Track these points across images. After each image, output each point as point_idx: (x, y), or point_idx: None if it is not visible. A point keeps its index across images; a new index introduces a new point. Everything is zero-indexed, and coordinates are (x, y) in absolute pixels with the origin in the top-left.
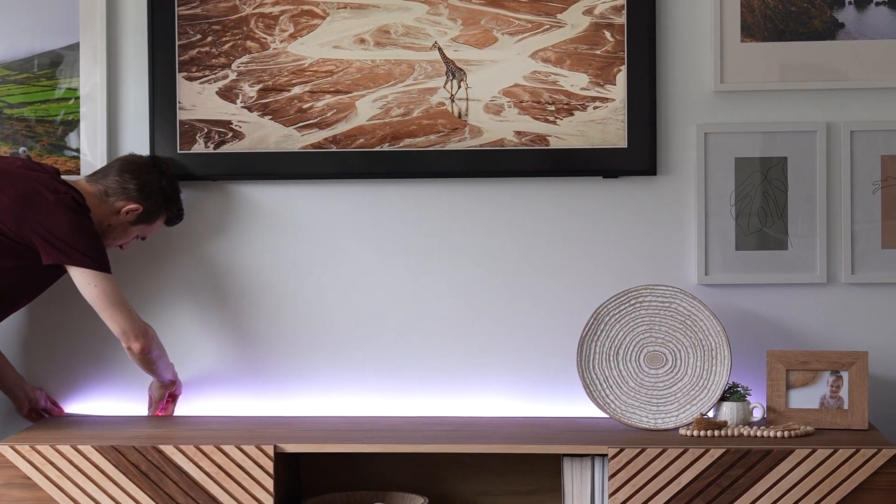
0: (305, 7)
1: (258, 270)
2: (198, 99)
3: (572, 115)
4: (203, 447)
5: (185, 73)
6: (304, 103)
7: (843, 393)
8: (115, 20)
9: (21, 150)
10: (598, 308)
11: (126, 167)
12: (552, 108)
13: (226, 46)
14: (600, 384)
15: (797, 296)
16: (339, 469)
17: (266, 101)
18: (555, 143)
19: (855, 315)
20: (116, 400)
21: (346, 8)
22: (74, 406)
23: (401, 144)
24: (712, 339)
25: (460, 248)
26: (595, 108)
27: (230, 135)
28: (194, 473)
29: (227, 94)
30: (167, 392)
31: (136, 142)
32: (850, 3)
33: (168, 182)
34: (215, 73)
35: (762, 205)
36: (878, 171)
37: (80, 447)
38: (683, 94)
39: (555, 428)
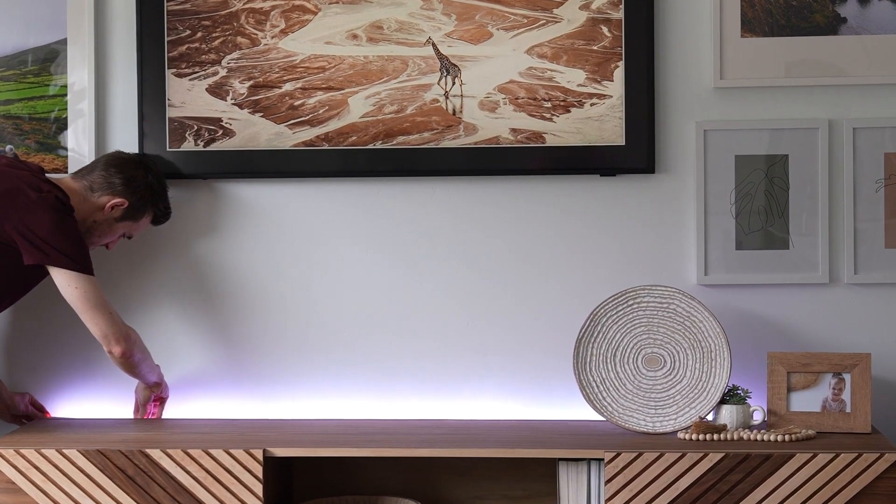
0: (297, 2)
1: (248, 271)
2: (187, 96)
3: (569, 111)
4: (191, 451)
5: (174, 70)
6: (296, 100)
7: (846, 396)
8: (103, 16)
9: (8, 147)
10: (595, 309)
11: (112, 162)
12: (548, 104)
13: (216, 42)
14: (597, 387)
15: (799, 296)
16: (331, 473)
17: (257, 97)
18: (551, 141)
19: (858, 316)
20: (103, 402)
21: (338, 3)
22: (60, 409)
23: (394, 142)
24: (712, 340)
25: (455, 248)
26: (592, 104)
27: (220, 132)
28: (182, 478)
29: (218, 90)
30: (153, 395)
31: (125, 139)
32: None
33: (155, 178)
34: (205, 70)
35: (763, 203)
36: (882, 169)
37: (65, 451)
38: (682, 90)
39: (551, 431)
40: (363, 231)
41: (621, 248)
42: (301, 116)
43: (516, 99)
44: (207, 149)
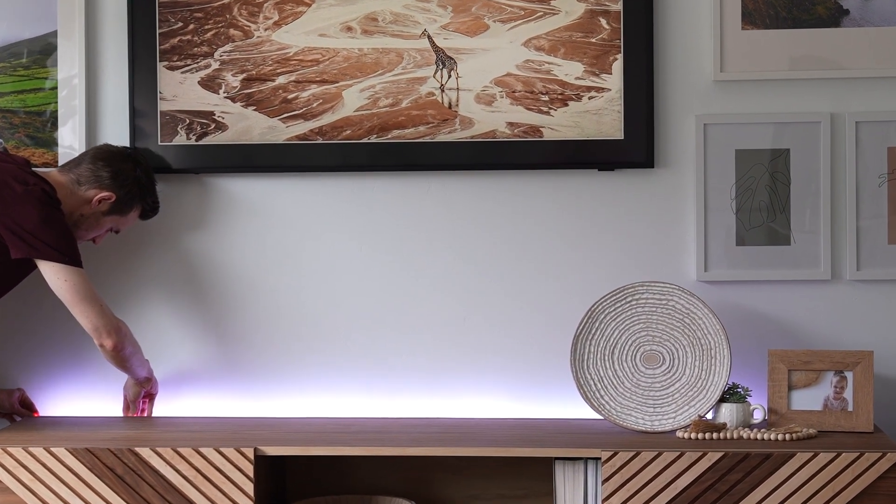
0: None
1: (240, 266)
2: (179, 89)
3: (567, 105)
4: (181, 450)
5: (166, 63)
6: (289, 93)
7: (848, 394)
8: (94, 7)
9: None
10: (592, 306)
11: (100, 155)
12: (546, 98)
13: (208, 35)
14: (595, 385)
15: (800, 293)
16: (324, 473)
17: (250, 91)
18: (549, 135)
19: (860, 313)
20: (93, 399)
21: None
22: (50, 405)
23: (389, 136)
24: (711, 337)
25: (450, 244)
26: (590, 98)
27: (213, 126)
28: (172, 477)
29: (210, 83)
30: (143, 391)
31: (117, 133)
32: None
33: (143, 172)
34: (197, 63)
35: (764, 198)
36: (885, 164)
37: (53, 449)
38: (682, 83)
39: (547, 430)
40: (358, 226)
41: (620, 244)
42: (295, 110)
43: (513, 92)
44: (200, 143)
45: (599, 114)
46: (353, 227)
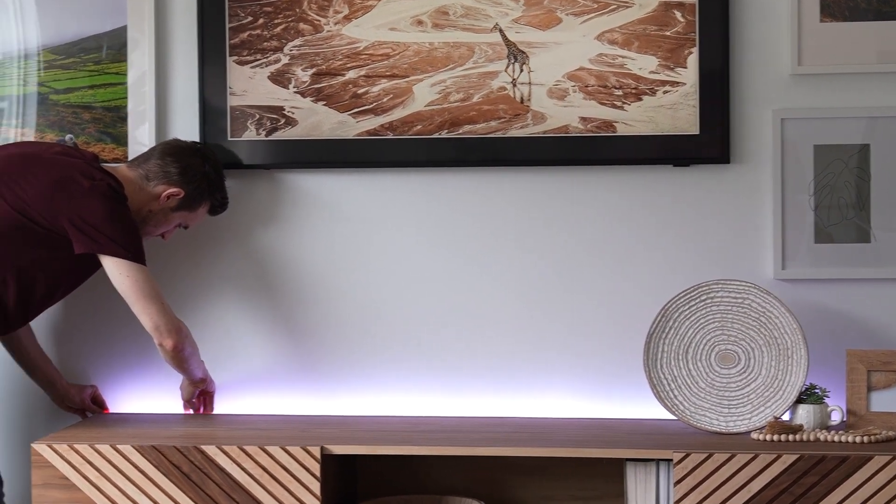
0: None
1: (309, 263)
2: (249, 84)
3: (640, 99)
4: (247, 448)
5: (235, 58)
6: (360, 88)
7: None
8: (164, 2)
9: (67, 137)
10: (666, 304)
11: (168, 151)
12: (619, 92)
13: (278, 29)
14: (668, 384)
15: (880, 291)
16: (395, 472)
17: (320, 85)
18: (622, 130)
19: None
20: (161, 397)
21: None
22: (119, 403)
23: (460, 131)
24: (788, 337)
25: (521, 241)
26: (665, 92)
27: (282, 121)
28: (238, 475)
29: (280, 78)
30: (197, 391)
31: (187, 128)
32: None
33: (212, 168)
34: (267, 57)
35: (843, 195)
36: None
37: (119, 447)
38: (759, 77)
39: (619, 430)
40: (427, 223)
41: (694, 241)
42: (365, 105)
43: (586, 86)
44: (269, 138)
45: (674, 108)
46: (424, 224)
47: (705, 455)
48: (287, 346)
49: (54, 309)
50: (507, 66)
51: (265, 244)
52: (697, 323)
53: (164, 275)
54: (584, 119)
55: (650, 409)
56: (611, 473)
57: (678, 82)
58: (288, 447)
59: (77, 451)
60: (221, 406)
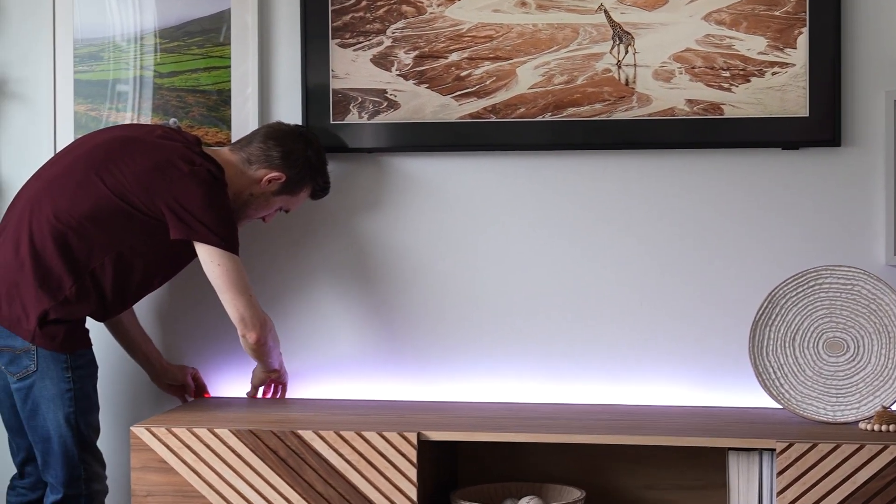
0: None
1: (410, 247)
2: (351, 67)
3: (749, 81)
4: (343, 433)
5: (338, 40)
6: (462, 71)
7: None
8: None
9: (171, 120)
10: (773, 290)
11: (271, 134)
12: (727, 74)
13: (380, 11)
14: (774, 372)
15: None
16: (495, 459)
17: (422, 68)
18: (729, 112)
19: None
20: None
21: None
22: (219, 388)
23: (564, 114)
24: None
25: (626, 226)
26: (773, 73)
27: (385, 104)
28: (334, 460)
29: (382, 61)
30: (269, 379)
31: (289, 111)
32: None
33: (314, 152)
34: (370, 40)
35: None
36: None
37: (216, 431)
38: (871, 57)
39: (723, 419)
40: (531, 207)
41: (803, 226)
42: (467, 87)
43: (693, 68)
44: (372, 121)
45: (783, 90)
46: (526, 208)
47: (809, 445)
48: (386, 332)
49: (159, 295)
50: (612, 48)
51: (367, 228)
52: (805, 310)
53: (264, 258)
54: (690, 101)
55: (755, 398)
56: (714, 463)
57: (787, 63)
58: (384, 433)
59: (175, 435)
60: (319, 390)
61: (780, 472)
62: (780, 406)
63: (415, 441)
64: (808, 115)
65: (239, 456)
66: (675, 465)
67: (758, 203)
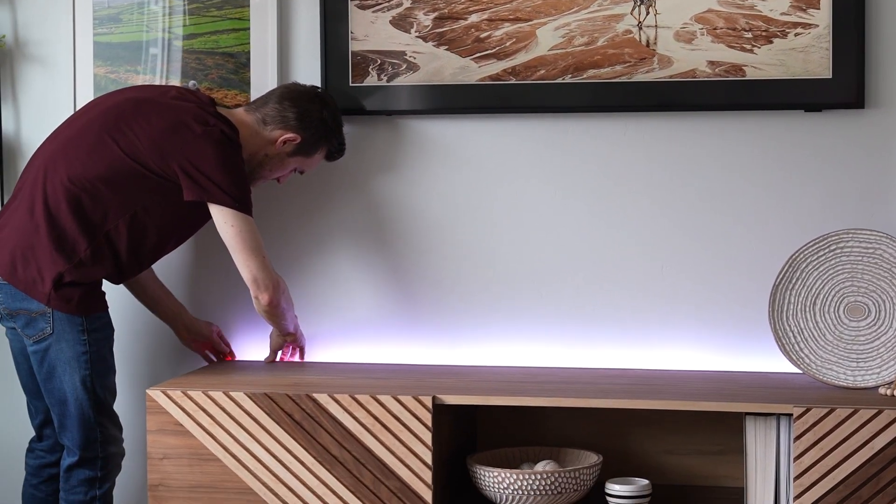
0: None
1: (428, 211)
2: (371, 28)
3: (771, 42)
4: (358, 396)
5: (357, 2)
6: (482, 32)
7: None
8: None
9: (191, 83)
10: (794, 254)
11: (287, 95)
12: (749, 35)
13: None
14: (794, 337)
15: None
16: (513, 423)
17: (441, 30)
18: (751, 74)
19: None
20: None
21: None
22: (243, 352)
23: (584, 76)
24: None
25: (647, 188)
26: (796, 34)
27: (404, 66)
28: (349, 424)
29: (401, 23)
30: (286, 342)
31: (307, 74)
32: None
33: (330, 113)
34: (389, 1)
35: None
36: None
37: (232, 394)
38: (895, 17)
39: (742, 383)
40: (551, 170)
41: (825, 189)
42: (487, 49)
43: (714, 29)
44: (391, 83)
45: (806, 51)
46: (546, 171)
47: (827, 410)
48: (404, 295)
49: (180, 256)
50: (633, 9)
51: (385, 191)
52: (826, 274)
53: (281, 219)
54: (711, 63)
55: (775, 363)
56: (734, 428)
57: (811, 24)
58: (400, 396)
59: (190, 398)
60: (337, 354)
61: (798, 437)
62: (800, 371)
63: (430, 405)
64: (831, 76)
65: (254, 419)
66: (694, 430)
67: (780, 166)
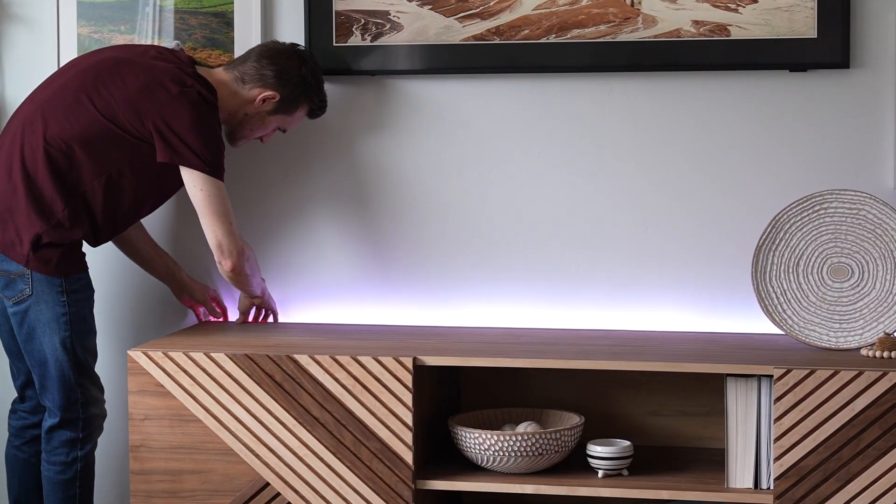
0: None
1: (412, 171)
2: None
3: (756, 2)
4: (339, 358)
5: None
6: None
7: None
8: None
9: (175, 43)
10: (777, 214)
11: (265, 53)
12: None
13: None
14: (777, 298)
15: None
16: (497, 385)
17: None
18: (736, 34)
19: None
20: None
21: None
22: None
23: (568, 35)
24: None
25: (631, 150)
26: None
27: (388, 26)
28: (330, 385)
29: None
30: (253, 305)
31: (292, 33)
32: None
33: (309, 70)
34: None
35: None
36: None
37: (213, 355)
38: None
39: (724, 345)
40: (534, 131)
41: (810, 150)
42: (471, 9)
43: None
44: (375, 43)
45: (791, 10)
46: (530, 132)
47: (807, 371)
48: (386, 257)
49: (168, 218)
50: None
51: (369, 151)
52: (809, 234)
53: (263, 179)
54: (696, 22)
55: (759, 324)
56: (718, 390)
57: None
58: (380, 357)
59: (171, 359)
60: (318, 315)
61: (778, 399)
62: (783, 332)
63: (410, 366)
64: (816, 36)
65: (235, 380)
66: (678, 391)
67: (765, 126)
